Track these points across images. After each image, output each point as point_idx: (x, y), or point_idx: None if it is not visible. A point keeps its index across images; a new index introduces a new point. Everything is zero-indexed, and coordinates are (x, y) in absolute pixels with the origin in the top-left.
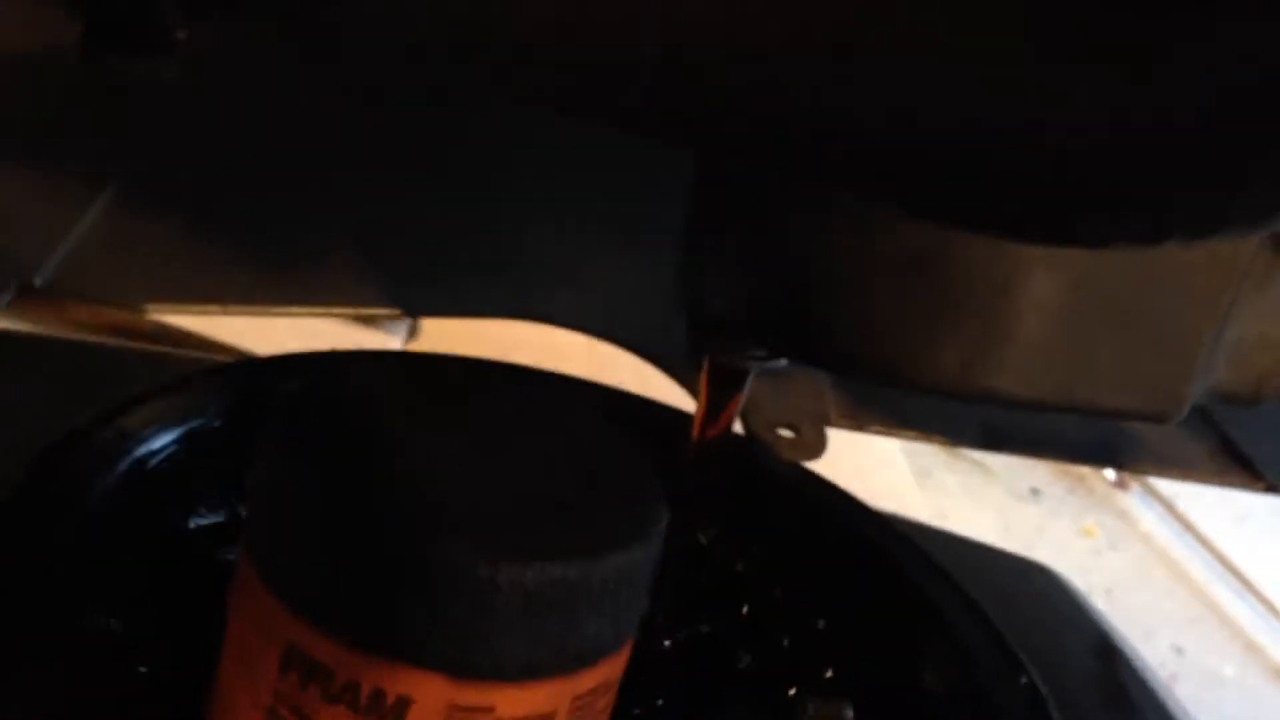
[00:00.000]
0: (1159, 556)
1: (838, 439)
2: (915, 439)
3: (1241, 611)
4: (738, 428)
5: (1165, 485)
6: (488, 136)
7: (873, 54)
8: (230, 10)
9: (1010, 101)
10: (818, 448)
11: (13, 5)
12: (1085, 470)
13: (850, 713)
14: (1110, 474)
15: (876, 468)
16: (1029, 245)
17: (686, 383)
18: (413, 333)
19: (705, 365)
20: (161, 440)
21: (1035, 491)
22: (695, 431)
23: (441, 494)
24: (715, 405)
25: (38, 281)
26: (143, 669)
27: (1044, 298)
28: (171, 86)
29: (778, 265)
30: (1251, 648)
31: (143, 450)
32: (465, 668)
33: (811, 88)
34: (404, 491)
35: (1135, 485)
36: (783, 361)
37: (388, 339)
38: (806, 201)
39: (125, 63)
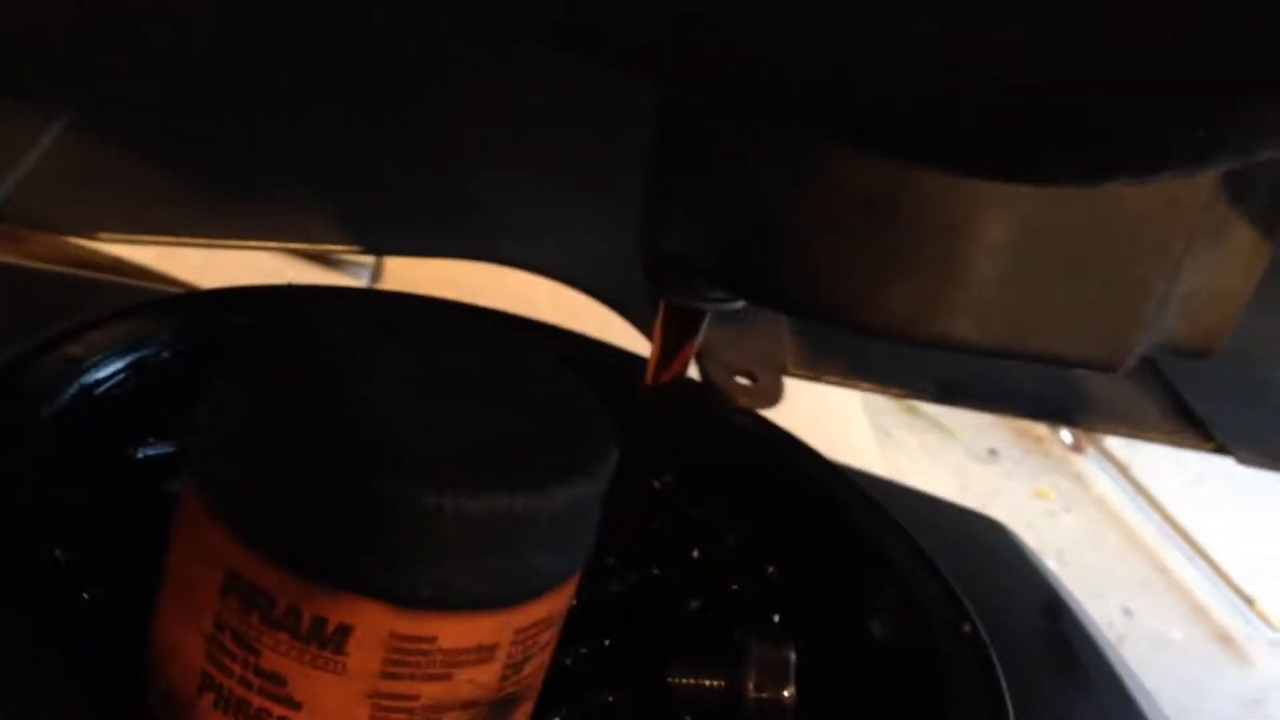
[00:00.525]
0: (1112, 519)
1: (799, 395)
2: (872, 390)
3: (1191, 575)
4: (695, 374)
5: (1120, 449)
6: (455, 76)
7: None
8: None
9: (964, 30)
10: (774, 395)
11: None
12: (1043, 433)
13: (793, 655)
14: (1067, 437)
15: (837, 424)
16: (982, 181)
17: (647, 330)
18: (377, 275)
19: (661, 307)
20: (111, 368)
21: (993, 452)
22: (650, 374)
23: (391, 427)
24: (670, 348)
25: None
26: (86, 596)
27: (996, 242)
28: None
29: (732, 205)
30: (1199, 611)
31: (92, 377)
32: (407, 597)
33: (768, 15)
34: (352, 422)
35: (1091, 449)
36: (739, 304)
37: (352, 280)
38: (761, 140)
39: None
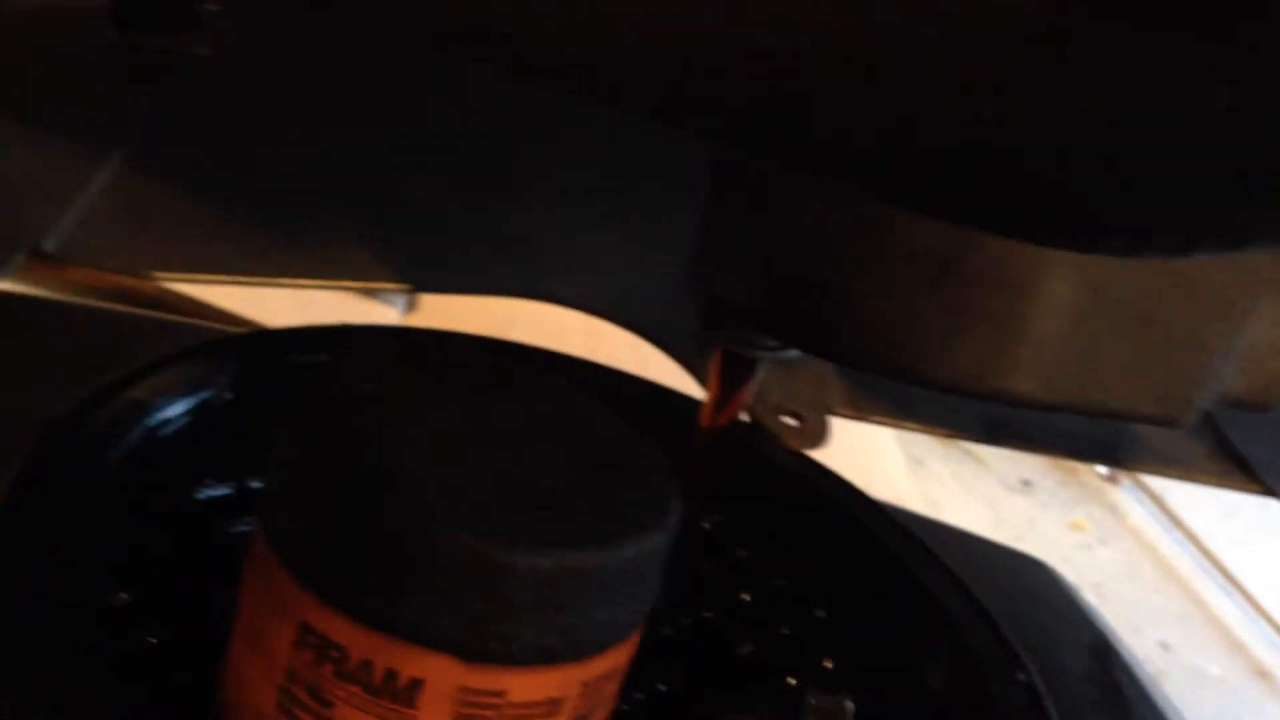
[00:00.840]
0: (1148, 552)
1: (833, 425)
2: (917, 430)
3: (1228, 609)
4: (742, 414)
5: (1156, 480)
6: (498, 115)
7: (908, 57)
8: None
9: (1049, 109)
10: (820, 436)
11: None
12: (1078, 463)
13: (851, 705)
14: (1101, 468)
15: (870, 454)
16: (1058, 250)
17: (690, 366)
18: (411, 304)
19: (717, 354)
20: (173, 410)
21: (1027, 483)
22: (704, 418)
23: (458, 477)
24: (726, 393)
25: (47, 246)
26: (151, 640)
27: (1062, 300)
28: (200, 62)
29: (796, 259)
30: (1237, 646)
31: (154, 420)
32: (477, 652)
33: (844, 89)
34: (422, 474)
35: (1125, 479)
36: (794, 352)
37: (386, 310)
38: (828, 195)
39: (156, 38)
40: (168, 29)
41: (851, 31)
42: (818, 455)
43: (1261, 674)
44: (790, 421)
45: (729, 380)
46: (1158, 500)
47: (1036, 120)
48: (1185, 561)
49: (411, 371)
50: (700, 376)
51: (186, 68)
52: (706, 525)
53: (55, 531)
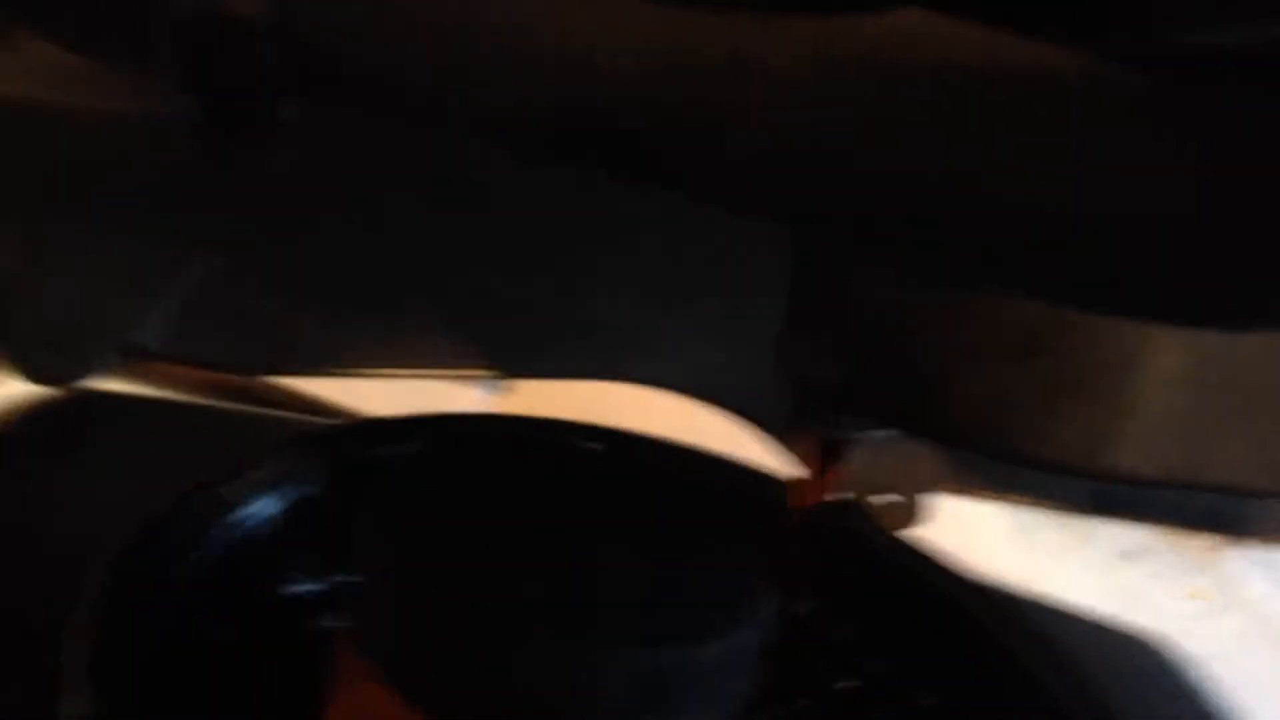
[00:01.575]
0: (1264, 621)
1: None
2: (1022, 503)
3: None
4: (837, 494)
5: (1271, 548)
6: (577, 200)
7: (999, 142)
8: (334, 95)
9: (1165, 191)
10: (914, 516)
11: (131, 74)
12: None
13: None
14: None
15: (974, 523)
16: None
17: (779, 443)
18: (499, 388)
19: (809, 435)
20: (260, 507)
21: (1137, 551)
22: (797, 501)
23: (541, 572)
24: (818, 474)
25: (147, 344)
26: None
27: (1170, 373)
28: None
29: (889, 341)
30: None
31: (242, 517)
32: None
33: (932, 176)
34: (504, 571)
35: (1238, 545)
36: (889, 431)
37: (480, 393)
38: (912, 276)
39: (237, 144)
40: (250, 139)
41: (940, 119)
42: (924, 528)
43: None
44: (886, 500)
45: (822, 461)
46: (1272, 567)
47: (1124, 198)
48: None
49: (499, 464)
50: (788, 452)
51: (270, 163)
52: (801, 611)
53: (143, 629)
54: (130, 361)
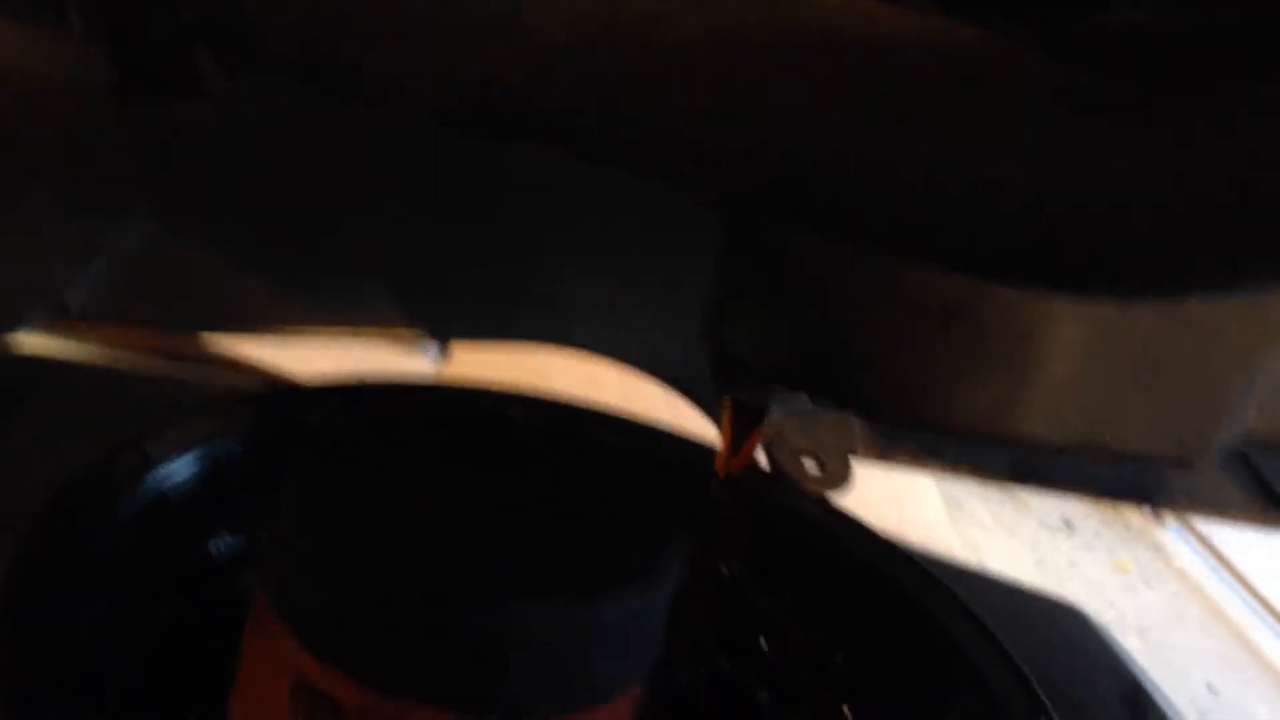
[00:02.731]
0: (1195, 593)
1: (869, 470)
2: (942, 471)
3: (1278, 651)
4: (763, 460)
5: (1202, 519)
6: (526, 171)
7: (911, 123)
8: (259, 64)
9: (1042, 169)
10: (843, 480)
11: (58, 39)
12: (1120, 503)
13: None
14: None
15: (907, 497)
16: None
17: (712, 412)
18: (445, 353)
19: (728, 403)
20: (184, 466)
21: (1068, 524)
22: (719, 466)
23: (461, 535)
24: (738, 441)
25: (71, 303)
26: (161, 692)
27: (1072, 343)
28: (205, 124)
29: (804, 312)
30: None
31: (165, 476)
32: (471, 707)
33: (856, 154)
34: (423, 533)
35: (1171, 519)
36: (806, 400)
37: (419, 361)
38: (833, 250)
39: (162, 105)
40: (170, 98)
41: (862, 97)
42: (856, 499)
43: None
44: (812, 466)
45: (741, 428)
46: (1204, 540)
47: (1037, 177)
48: (1233, 603)
49: (422, 427)
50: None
51: (213, 128)
52: (725, 573)
53: (65, 587)
54: (60, 321)
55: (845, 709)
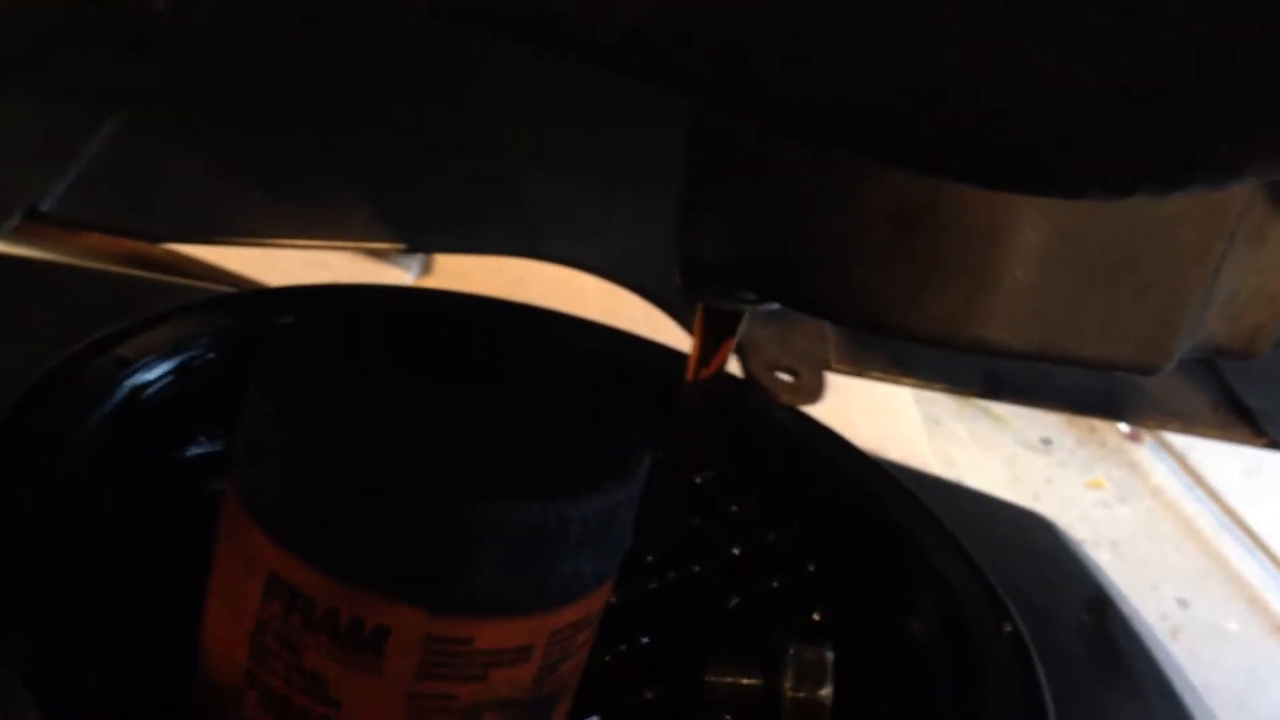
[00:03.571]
0: (1168, 510)
1: (849, 385)
2: (916, 385)
3: (1249, 567)
4: (738, 371)
5: (1178, 438)
6: (501, 79)
7: (876, 14)
8: None
9: (988, 52)
10: (816, 392)
11: None
12: (1098, 421)
13: (831, 655)
14: (1123, 426)
15: (886, 414)
16: (1012, 194)
17: (688, 323)
18: (426, 267)
19: (699, 308)
20: (157, 369)
21: (1046, 441)
22: (689, 372)
23: (427, 433)
24: (708, 347)
25: (45, 208)
26: (136, 595)
27: (1032, 248)
28: (159, 20)
29: (767, 214)
30: (1256, 602)
31: (138, 378)
32: (442, 602)
33: (793, 45)
34: (389, 429)
35: (1148, 437)
36: (775, 306)
37: (400, 274)
38: (795, 152)
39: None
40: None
41: None
42: (836, 416)
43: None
44: (785, 377)
45: (711, 334)
46: (1179, 458)
47: (989, 69)
48: (1206, 519)
49: (391, 329)
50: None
51: (189, 31)
52: (698, 480)
53: (34, 488)
54: (34, 226)
55: (816, 615)
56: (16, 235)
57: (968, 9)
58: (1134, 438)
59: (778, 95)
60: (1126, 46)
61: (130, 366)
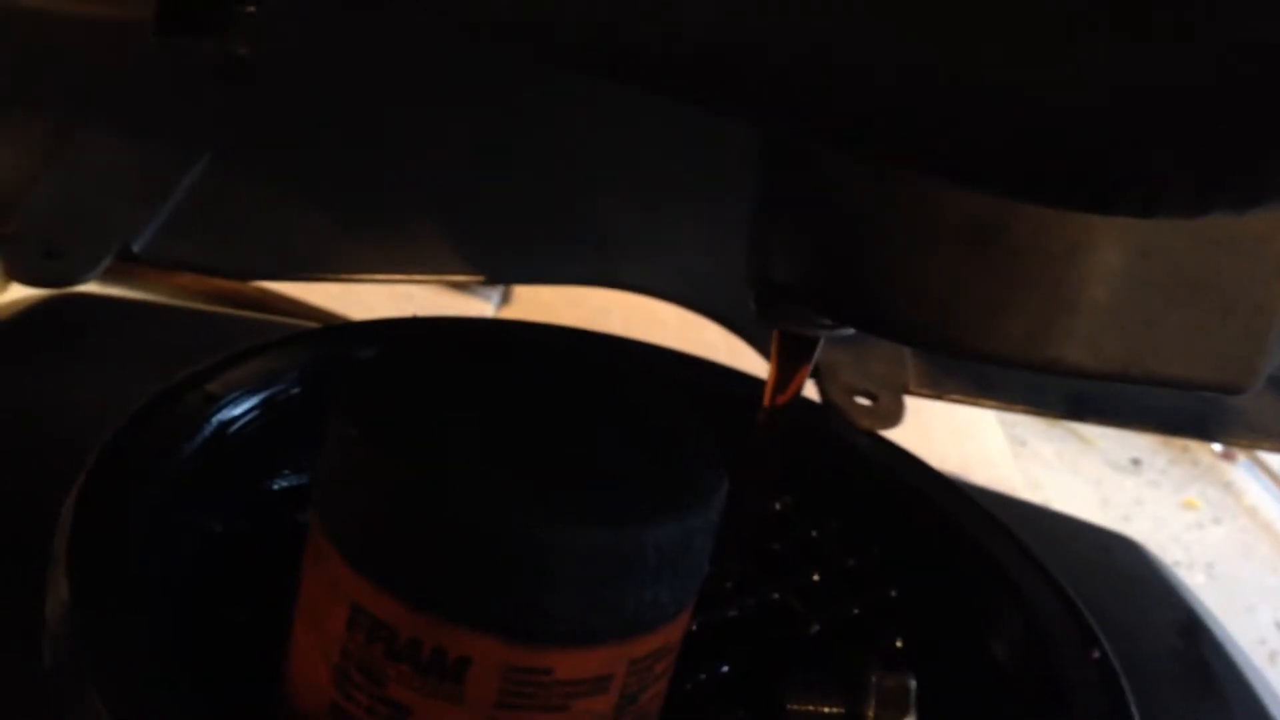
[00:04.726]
0: (1264, 530)
1: (931, 408)
2: (997, 408)
3: None
4: (816, 396)
5: (1273, 457)
6: (573, 108)
7: (922, 31)
8: None
9: (1049, 73)
10: (895, 415)
11: None
12: (1189, 440)
13: (914, 683)
14: (1216, 445)
15: (970, 437)
16: (1085, 213)
17: (766, 351)
18: (506, 298)
19: (775, 333)
20: (244, 405)
21: (1136, 462)
22: (766, 398)
23: (503, 461)
24: (785, 372)
25: (137, 247)
26: (223, 625)
27: (1110, 267)
28: (243, 59)
29: (839, 235)
30: None
31: (225, 414)
32: (521, 631)
33: (860, 62)
34: (467, 458)
35: (1241, 457)
36: (851, 330)
37: (481, 305)
38: (867, 171)
39: (194, 38)
40: (206, 32)
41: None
42: (920, 438)
43: None
44: (864, 401)
45: (787, 359)
46: (1274, 476)
47: (1064, 87)
48: None
49: (469, 360)
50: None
51: (271, 70)
52: (776, 506)
53: (125, 521)
54: (127, 266)
55: (898, 642)
56: (109, 275)
57: (1040, 22)
58: (1227, 457)
59: (847, 111)
60: (1190, 56)
61: (218, 402)
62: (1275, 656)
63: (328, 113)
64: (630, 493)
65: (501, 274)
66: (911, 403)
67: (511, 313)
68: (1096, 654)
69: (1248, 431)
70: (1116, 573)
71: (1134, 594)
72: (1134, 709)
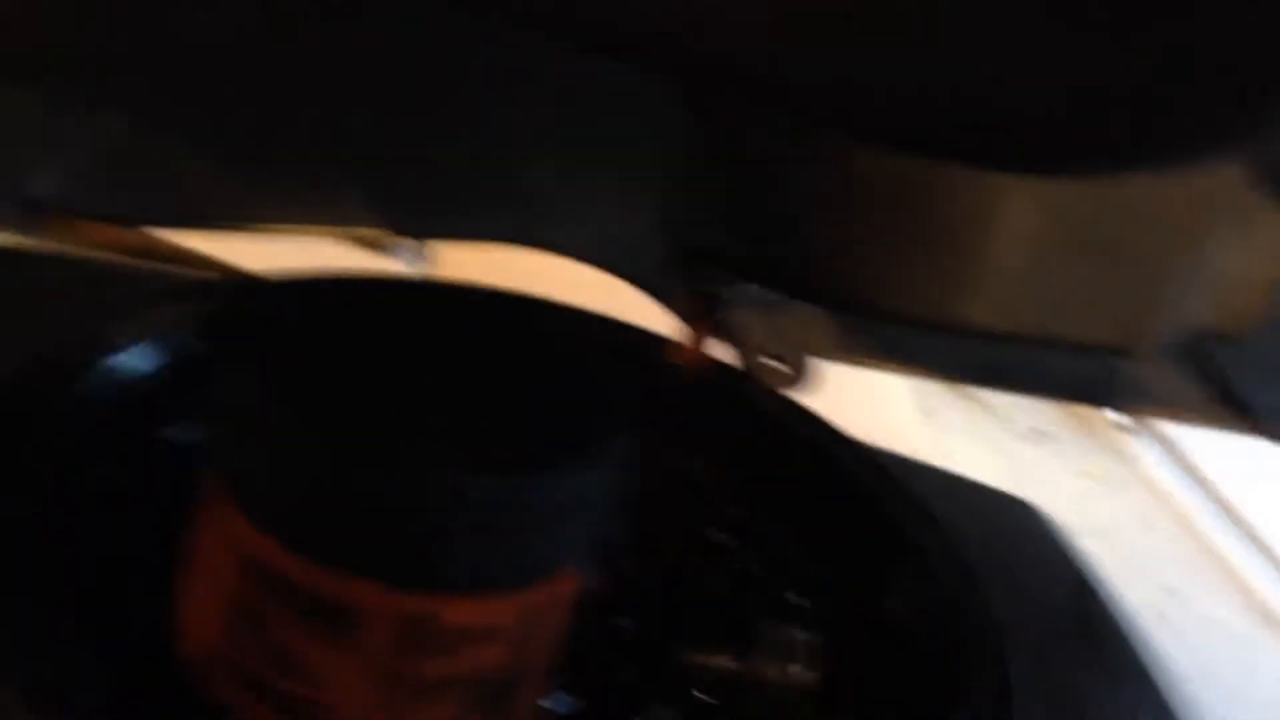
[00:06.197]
0: (1161, 501)
1: (843, 375)
2: (908, 373)
3: (1240, 556)
4: (726, 356)
5: (1171, 428)
6: (493, 66)
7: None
8: None
9: (983, 42)
10: (804, 378)
11: None
12: (1091, 412)
13: (806, 635)
14: (1117, 416)
15: (880, 404)
16: (999, 176)
17: (677, 311)
18: (426, 258)
19: (685, 294)
20: (142, 353)
21: (1040, 432)
22: (672, 357)
23: (399, 414)
24: (692, 332)
25: (35, 195)
26: (123, 576)
27: (1018, 230)
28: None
29: (751, 198)
30: (1246, 591)
31: (120, 365)
32: (412, 579)
33: (809, 28)
34: (360, 410)
35: (1140, 428)
36: (760, 290)
37: (400, 264)
38: (785, 136)
39: None
40: None
41: None
42: (830, 405)
43: (1269, 618)
44: (774, 364)
45: (696, 319)
46: (1172, 448)
47: (982, 54)
48: (1199, 510)
49: (370, 315)
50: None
51: (179, 19)
52: (678, 464)
53: (18, 467)
54: (23, 213)
55: (792, 595)
56: (7, 224)
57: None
58: (1127, 428)
59: (780, 78)
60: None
61: (114, 349)
62: (1165, 620)
63: (238, 59)
64: (527, 446)
65: (413, 228)
66: (825, 370)
67: (429, 271)
68: (986, 608)
69: (1147, 401)
70: (1013, 534)
71: (1029, 555)
72: (1008, 662)
